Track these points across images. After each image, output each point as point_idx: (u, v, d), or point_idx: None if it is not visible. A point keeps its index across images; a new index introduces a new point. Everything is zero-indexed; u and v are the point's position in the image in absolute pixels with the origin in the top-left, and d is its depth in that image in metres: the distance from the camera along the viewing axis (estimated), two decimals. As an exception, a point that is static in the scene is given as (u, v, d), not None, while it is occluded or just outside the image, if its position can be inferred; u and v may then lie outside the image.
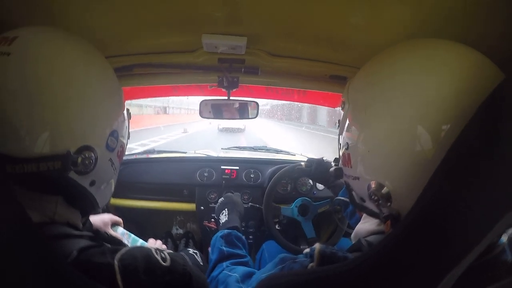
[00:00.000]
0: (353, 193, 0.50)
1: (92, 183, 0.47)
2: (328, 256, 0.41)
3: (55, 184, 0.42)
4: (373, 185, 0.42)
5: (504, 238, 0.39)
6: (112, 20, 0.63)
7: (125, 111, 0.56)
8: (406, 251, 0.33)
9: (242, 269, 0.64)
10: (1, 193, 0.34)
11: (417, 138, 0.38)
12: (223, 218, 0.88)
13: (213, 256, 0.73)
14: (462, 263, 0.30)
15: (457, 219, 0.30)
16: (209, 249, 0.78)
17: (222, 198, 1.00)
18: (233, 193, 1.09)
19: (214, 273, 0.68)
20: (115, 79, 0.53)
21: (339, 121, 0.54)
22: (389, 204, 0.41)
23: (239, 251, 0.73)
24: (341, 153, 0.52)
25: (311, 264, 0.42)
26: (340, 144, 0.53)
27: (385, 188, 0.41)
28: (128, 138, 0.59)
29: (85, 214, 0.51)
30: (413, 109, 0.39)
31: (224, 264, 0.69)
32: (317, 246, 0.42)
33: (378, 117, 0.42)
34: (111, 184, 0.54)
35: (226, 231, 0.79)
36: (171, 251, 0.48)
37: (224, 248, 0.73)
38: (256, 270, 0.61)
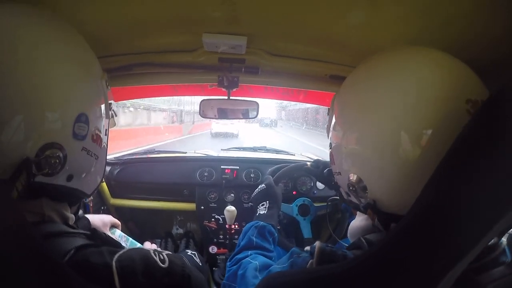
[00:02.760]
0: (340, 189, 0.54)
1: (70, 178, 0.44)
2: (327, 254, 0.42)
3: (30, 192, 0.39)
4: (350, 178, 0.47)
5: (504, 239, 0.39)
6: (110, 19, 0.62)
7: (102, 80, 0.49)
8: (405, 251, 0.33)
9: (263, 259, 0.66)
10: None
11: (383, 136, 0.42)
12: (262, 210, 0.85)
13: (242, 242, 0.76)
14: (462, 262, 0.30)
15: (456, 219, 0.30)
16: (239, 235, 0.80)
17: (264, 185, 0.92)
18: (271, 179, 0.97)
19: (239, 256, 0.71)
20: (86, 49, 0.48)
21: (327, 126, 0.59)
22: (366, 194, 0.46)
23: (267, 245, 0.75)
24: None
25: (311, 261, 0.43)
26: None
27: (356, 177, 0.46)
28: (111, 109, 0.53)
29: (74, 204, 0.50)
30: (384, 111, 0.43)
31: (249, 252, 0.71)
32: (317, 244, 0.43)
33: (355, 119, 0.47)
34: (96, 171, 0.50)
35: (261, 223, 0.79)
36: (170, 252, 0.47)
37: (254, 239, 0.75)
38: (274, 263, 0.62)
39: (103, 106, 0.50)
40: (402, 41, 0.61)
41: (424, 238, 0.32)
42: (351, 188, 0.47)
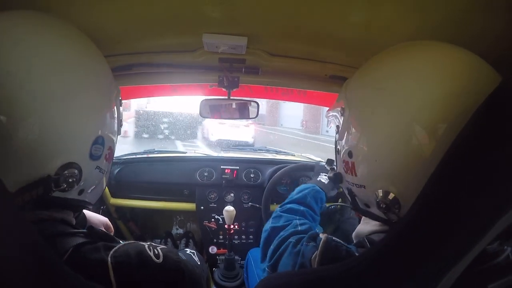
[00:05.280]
0: (356, 199, 0.50)
1: (81, 192, 0.46)
2: (332, 248, 0.42)
3: (42, 204, 0.42)
4: (380, 193, 0.42)
5: (508, 248, 0.39)
6: (110, 19, 0.62)
7: (117, 98, 0.51)
8: (404, 251, 0.33)
9: (304, 228, 0.60)
10: None
11: (424, 141, 0.38)
12: (324, 179, 0.86)
13: (296, 195, 0.75)
14: (461, 263, 0.30)
15: (455, 219, 0.30)
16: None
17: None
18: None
19: (291, 205, 0.70)
20: (106, 72, 0.49)
21: (337, 126, 0.53)
22: (397, 210, 0.41)
23: (316, 208, 0.74)
24: (341, 160, 0.51)
25: (316, 252, 0.43)
26: (338, 149, 0.53)
27: (391, 194, 0.41)
28: (121, 125, 0.55)
29: (78, 211, 0.52)
30: (422, 112, 0.39)
31: (302, 207, 0.70)
32: (323, 236, 0.44)
33: (385, 124, 0.42)
34: (101, 183, 0.53)
35: (318, 188, 0.79)
36: (165, 247, 0.48)
37: (308, 197, 0.74)
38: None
39: (116, 124, 0.53)
40: (402, 40, 0.61)
41: (423, 238, 0.32)
42: (382, 205, 0.42)
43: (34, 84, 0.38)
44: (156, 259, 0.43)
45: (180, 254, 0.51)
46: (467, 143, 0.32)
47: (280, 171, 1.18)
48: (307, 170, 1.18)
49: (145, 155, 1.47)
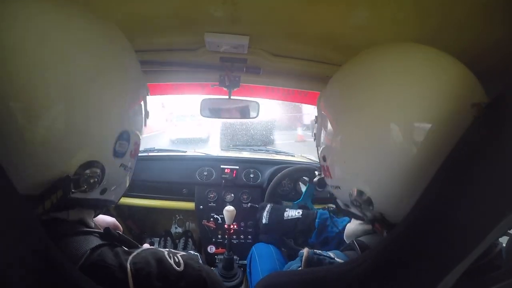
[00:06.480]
0: (338, 200, 0.53)
1: (103, 192, 0.43)
2: (314, 263, 0.42)
3: (62, 206, 0.39)
4: (354, 192, 0.44)
5: (500, 243, 0.39)
6: (111, 17, 0.62)
7: (144, 89, 0.48)
8: (404, 254, 0.33)
9: None
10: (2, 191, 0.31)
11: (390, 140, 0.39)
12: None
13: None
14: (460, 266, 0.30)
15: (455, 222, 0.30)
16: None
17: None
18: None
19: None
20: (135, 63, 0.46)
21: (315, 134, 0.57)
22: (371, 208, 0.43)
23: None
24: (320, 165, 0.55)
25: (299, 269, 0.43)
26: (319, 155, 0.55)
27: (364, 194, 0.43)
28: (147, 117, 0.51)
29: (100, 210, 0.50)
30: (386, 111, 0.40)
31: None
32: (305, 251, 0.44)
33: (348, 126, 0.44)
34: (125, 181, 0.50)
35: None
36: (185, 254, 0.46)
37: None
38: None
39: (143, 116, 0.49)
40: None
41: (423, 241, 0.32)
42: (355, 203, 0.45)
43: (56, 70, 0.34)
44: (176, 267, 0.41)
45: (200, 260, 0.49)
46: (468, 149, 0.32)
47: (280, 173, 1.18)
48: (309, 171, 1.18)
49: (145, 154, 1.47)
